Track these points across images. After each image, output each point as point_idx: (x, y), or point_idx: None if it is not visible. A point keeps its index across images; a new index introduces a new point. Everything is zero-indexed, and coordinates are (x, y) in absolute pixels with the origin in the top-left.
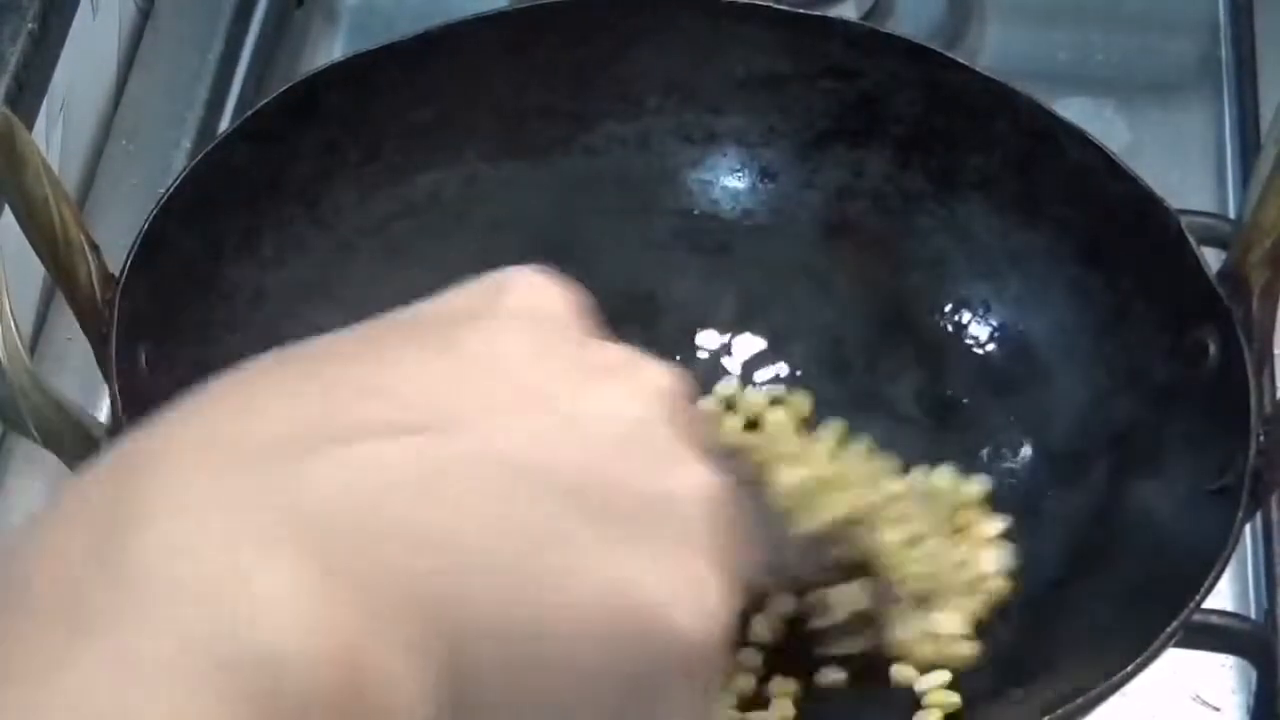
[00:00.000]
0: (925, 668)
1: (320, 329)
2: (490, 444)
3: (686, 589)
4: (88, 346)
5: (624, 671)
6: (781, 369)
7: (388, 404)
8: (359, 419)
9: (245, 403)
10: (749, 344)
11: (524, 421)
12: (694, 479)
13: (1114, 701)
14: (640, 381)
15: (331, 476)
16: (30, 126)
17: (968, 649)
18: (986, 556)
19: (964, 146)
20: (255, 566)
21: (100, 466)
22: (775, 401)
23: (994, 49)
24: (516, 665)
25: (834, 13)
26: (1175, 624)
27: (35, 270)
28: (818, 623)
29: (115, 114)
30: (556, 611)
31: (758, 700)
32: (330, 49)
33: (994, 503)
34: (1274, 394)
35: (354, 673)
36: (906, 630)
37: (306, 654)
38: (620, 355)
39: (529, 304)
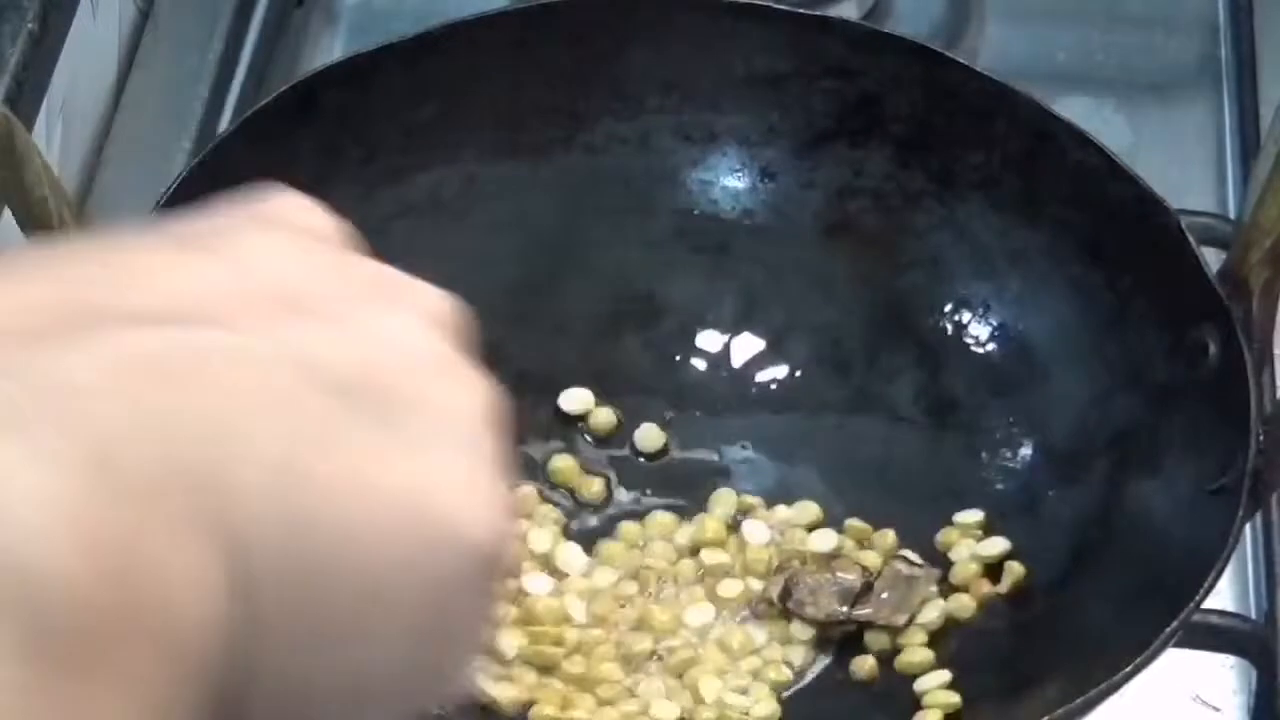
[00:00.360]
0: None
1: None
2: (259, 340)
3: (474, 496)
4: None
5: (415, 579)
6: (781, 369)
7: (151, 297)
8: (121, 310)
9: (11, 282)
10: (749, 344)
11: (293, 324)
12: (472, 391)
13: (1114, 701)
14: (413, 299)
15: (91, 364)
16: (30, 126)
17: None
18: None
19: (964, 146)
20: (10, 457)
21: None
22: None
23: (994, 49)
24: (305, 567)
25: (834, 13)
26: (1175, 624)
27: None
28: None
29: (115, 114)
30: (342, 511)
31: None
32: (330, 49)
33: (993, 505)
34: (1274, 394)
35: (122, 570)
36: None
37: (65, 550)
38: (391, 274)
39: (293, 220)
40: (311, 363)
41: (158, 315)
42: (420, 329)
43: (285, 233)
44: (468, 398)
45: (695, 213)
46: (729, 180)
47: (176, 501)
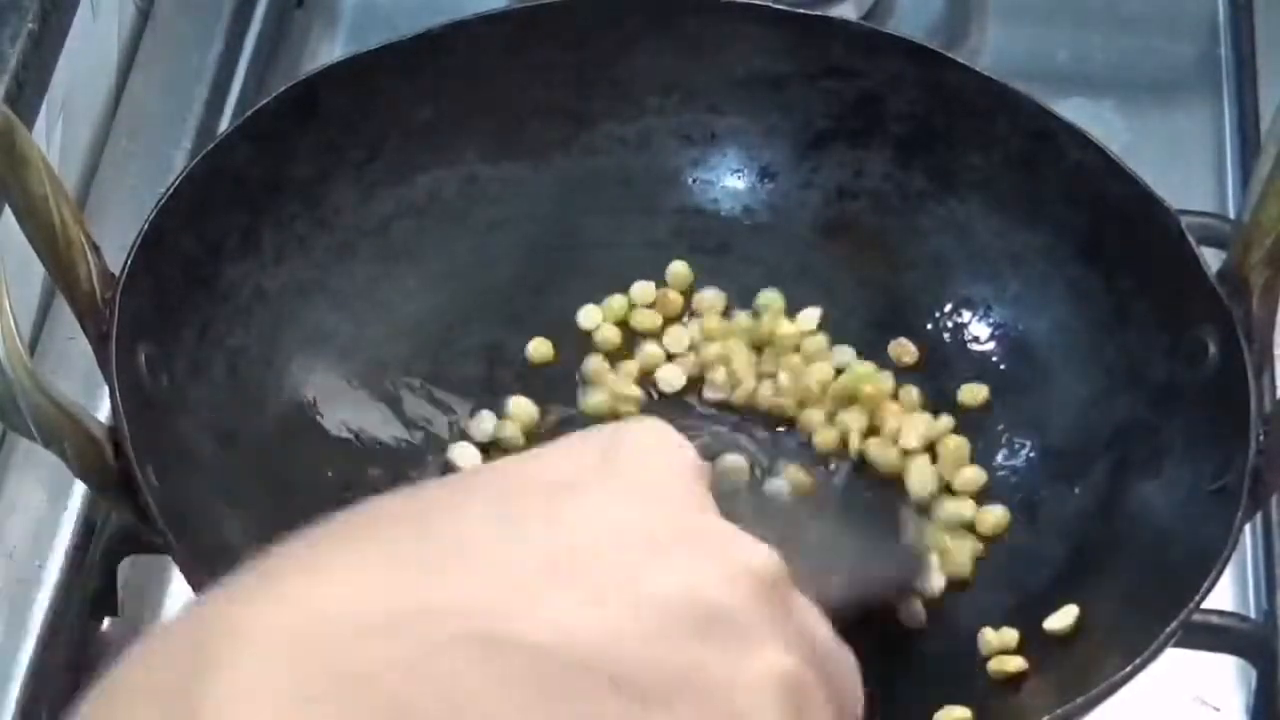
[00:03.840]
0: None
1: (320, 329)
2: (561, 637)
3: None
4: (88, 346)
5: None
6: None
7: (471, 587)
8: (441, 602)
9: (317, 577)
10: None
11: (600, 613)
12: (765, 666)
13: (1114, 701)
14: (731, 558)
15: (404, 661)
16: (30, 126)
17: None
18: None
19: (964, 146)
20: None
21: (173, 633)
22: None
23: (994, 49)
24: None
25: (834, 13)
26: (1175, 624)
27: (35, 270)
28: None
29: (115, 114)
30: None
31: None
32: (330, 49)
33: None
34: (1274, 394)
35: None
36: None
37: None
38: (719, 530)
39: (642, 471)
40: (606, 661)
41: (468, 609)
42: (730, 598)
43: (628, 495)
44: (760, 675)
45: (695, 213)
46: (729, 180)
47: None
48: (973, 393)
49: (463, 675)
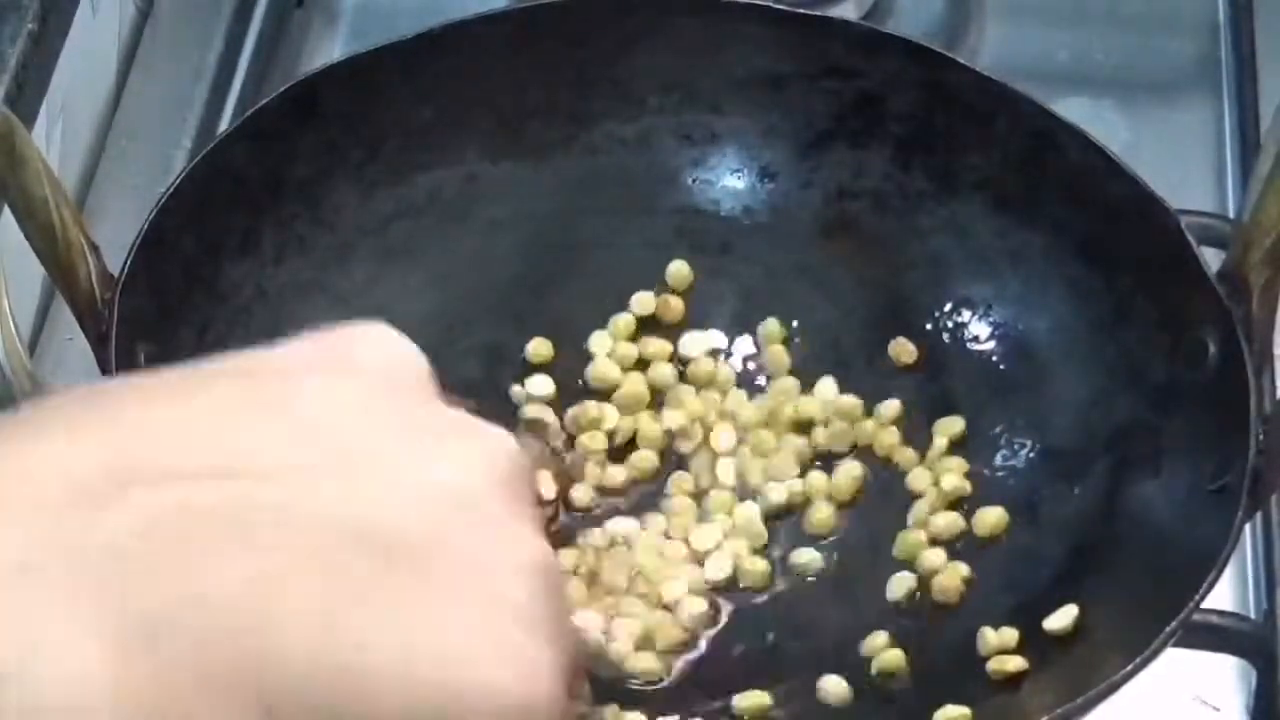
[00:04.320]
0: None
1: (320, 329)
2: (306, 498)
3: (508, 660)
4: (88, 346)
5: None
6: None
7: (203, 451)
8: (170, 464)
9: (61, 437)
10: (749, 344)
11: (346, 480)
12: (522, 550)
13: (1114, 701)
14: (478, 447)
15: (133, 524)
16: (30, 126)
17: None
18: None
19: (964, 146)
20: (51, 635)
21: None
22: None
23: (994, 49)
24: None
25: (834, 13)
26: (1175, 624)
27: (35, 270)
28: None
29: (115, 114)
30: (368, 674)
31: None
32: (330, 49)
33: (989, 500)
34: (1274, 394)
35: None
36: None
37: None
38: (460, 420)
39: (374, 361)
40: (353, 521)
41: (200, 472)
42: (481, 485)
43: (364, 377)
44: (517, 558)
45: (695, 212)
46: (729, 180)
47: (215, 670)
48: (947, 427)
49: (208, 539)
